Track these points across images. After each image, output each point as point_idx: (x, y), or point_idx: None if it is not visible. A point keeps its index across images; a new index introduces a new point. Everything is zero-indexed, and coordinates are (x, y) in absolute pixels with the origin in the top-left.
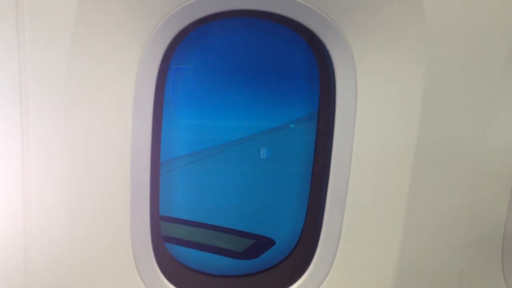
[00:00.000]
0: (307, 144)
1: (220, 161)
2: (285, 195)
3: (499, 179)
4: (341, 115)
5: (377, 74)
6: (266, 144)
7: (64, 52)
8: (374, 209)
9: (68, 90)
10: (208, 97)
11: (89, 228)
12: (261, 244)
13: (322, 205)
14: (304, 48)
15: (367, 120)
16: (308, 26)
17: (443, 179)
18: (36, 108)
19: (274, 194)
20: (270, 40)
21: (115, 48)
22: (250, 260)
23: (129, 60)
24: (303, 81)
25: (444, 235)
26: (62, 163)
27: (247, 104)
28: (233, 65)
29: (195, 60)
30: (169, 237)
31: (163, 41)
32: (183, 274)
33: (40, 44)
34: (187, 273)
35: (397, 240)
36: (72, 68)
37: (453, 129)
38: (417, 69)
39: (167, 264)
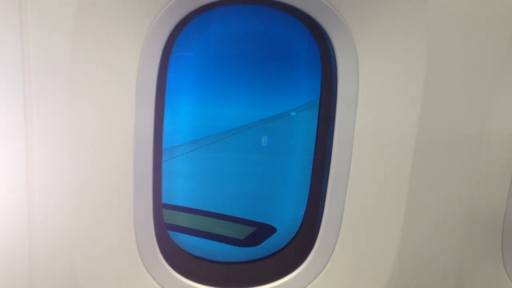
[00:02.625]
0: (309, 131)
1: (222, 148)
2: (286, 183)
3: (500, 167)
4: (342, 102)
5: (379, 61)
6: (267, 132)
7: (66, 39)
8: (375, 196)
9: (71, 78)
10: (210, 85)
11: (92, 216)
12: (262, 231)
13: (323, 192)
14: (305, 35)
15: (368, 107)
16: (309, 12)
17: (443, 167)
18: (39, 96)
19: (275, 181)
20: (271, 27)
21: (118, 35)
22: (252, 247)
23: (132, 47)
24: (305, 68)
25: (445, 223)
26: (65, 151)
27: (249, 91)
28: (235, 52)
29: (197, 47)
30: (171, 225)
31: (166, 28)
32: (186, 261)
33: (42, 30)
34: (190, 260)
35: (398, 228)
36: (75, 56)
37: (454, 117)
38: (419, 56)
39: (170, 251)
